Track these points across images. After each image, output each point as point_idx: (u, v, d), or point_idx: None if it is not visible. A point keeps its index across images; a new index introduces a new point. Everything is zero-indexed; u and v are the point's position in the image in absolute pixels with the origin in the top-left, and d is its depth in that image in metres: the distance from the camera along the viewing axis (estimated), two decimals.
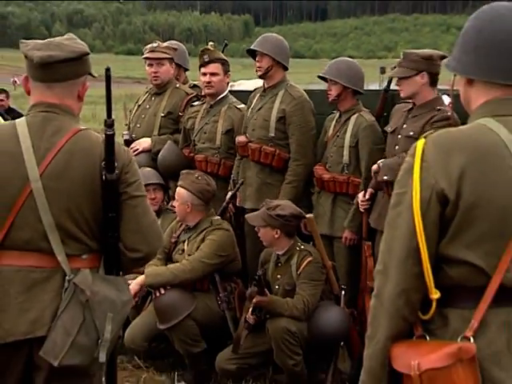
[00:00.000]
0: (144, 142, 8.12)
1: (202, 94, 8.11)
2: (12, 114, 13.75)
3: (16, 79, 57.35)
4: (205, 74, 7.79)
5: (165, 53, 8.23)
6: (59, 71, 4.06)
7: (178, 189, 7.31)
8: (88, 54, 4.16)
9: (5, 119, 10.17)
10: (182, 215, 7.33)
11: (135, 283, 7.03)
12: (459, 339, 2.93)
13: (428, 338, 3.05)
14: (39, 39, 4.22)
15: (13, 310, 3.92)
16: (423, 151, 3.03)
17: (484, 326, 2.96)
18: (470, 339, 2.92)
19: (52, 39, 4.19)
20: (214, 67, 7.77)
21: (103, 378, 4.19)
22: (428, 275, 2.98)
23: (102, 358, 3.91)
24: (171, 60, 8.31)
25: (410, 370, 2.90)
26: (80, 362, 3.87)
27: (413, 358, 2.91)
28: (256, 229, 6.97)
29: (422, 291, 3.02)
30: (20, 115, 12.66)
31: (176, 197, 7.35)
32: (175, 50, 8.43)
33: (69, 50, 4.06)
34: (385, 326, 3.08)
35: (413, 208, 2.99)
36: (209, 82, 7.77)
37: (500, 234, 2.96)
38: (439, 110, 6.75)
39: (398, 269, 3.04)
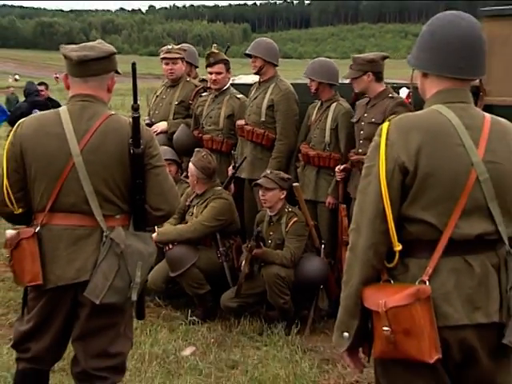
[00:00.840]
0: (161, 125, 8.24)
1: (208, 86, 8.20)
2: (51, 103, 13.80)
3: (58, 75, 56.51)
4: (211, 73, 7.94)
5: (178, 53, 8.31)
6: (92, 68, 4.12)
7: (190, 164, 7.49)
8: (115, 53, 4.25)
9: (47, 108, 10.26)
10: (192, 185, 7.57)
11: (153, 237, 7.22)
12: (417, 282, 3.00)
13: (392, 281, 3.10)
14: (79, 43, 4.30)
15: (62, 261, 4.02)
16: (387, 132, 3.11)
17: (437, 272, 3.03)
18: (426, 282, 2.99)
19: (86, 43, 4.27)
20: (219, 67, 7.92)
21: (133, 313, 4.28)
22: (392, 231, 3.07)
23: (134, 297, 4.02)
24: (183, 59, 8.38)
25: (378, 307, 2.98)
26: (116, 301, 4.00)
27: (380, 298, 2.98)
28: (261, 193, 7.12)
29: (387, 245, 3.09)
30: (58, 105, 12.84)
31: (188, 170, 7.56)
32: (185, 50, 8.50)
33: (99, 51, 4.15)
34: (358, 273, 3.13)
35: (380, 178, 3.07)
36: (215, 80, 7.95)
37: (449, 198, 3.04)
38: (392, 97, 7.04)
39: (368, 227, 3.11)
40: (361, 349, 3.27)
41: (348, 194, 7.26)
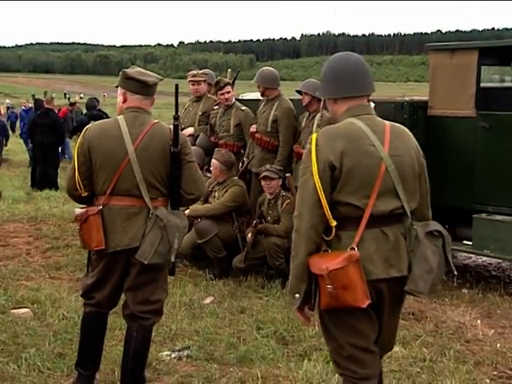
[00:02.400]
0: (189, 130, 8.18)
1: (219, 102, 8.15)
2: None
3: (105, 94, 56.29)
4: (223, 94, 7.93)
5: (201, 77, 8.37)
6: (152, 89, 4.22)
7: (213, 160, 7.50)
8: (162, 79, 4.36)
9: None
10: (215, 175, 7.55)
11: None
12: (348, 249, 3.09)
13: (330, 250, 3.16)
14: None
15: (118, 232, 4.06)
16: (316, 140, 3.18)
17: (362, 241, 3.13)
18: (354, 249, 3.09)
19: (137, 70, 4.28)
20: (228, 88, 7.93)
21: (167, 271, 4.26)
22: (327, 213, 3.13)
23: (173, 259, 4.07)
24: (205, 81, 8.41)
25: (321, 271, 3.06)
26: (160, 262, 4.03)
27: (323, 264, 3.06)
28: (267, 182, 7.13)
29: (323, 224, 3.15)
30: (107, 116, 12.81)
31: (211, 164, 7.57)
32: (207, 74, 8.54)
33: (156, 77, 4.24)
34: (303, 248, 3.15)
35: (314, 174, 3.14)
36: (227, 99, 7.95)
37: (367, 185, 3.14)
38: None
39: (308, 212, 3.15)
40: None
41: None
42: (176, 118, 4.12)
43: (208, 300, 6.37)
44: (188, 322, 5.73)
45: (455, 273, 3.35)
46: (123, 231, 4.06)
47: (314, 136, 3.23)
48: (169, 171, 4.10)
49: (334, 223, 3.15)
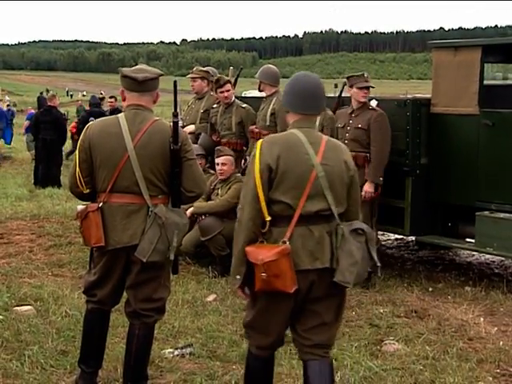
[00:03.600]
0: (191, 127, 8.21)
1: (219, 101, 8.13)
2: (116, 112, 13.70)
3: (102, 91, 56.13)
4: (222, 92, 7.91)
5: (198, 74, 8.39)
6: (149, 85, 4.17)
7: (226, 157, 7.51)
8: (162, 75, 4.31)
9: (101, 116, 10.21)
10: (228, 171, 7.55)
11: (188, 212, 7.24)
12: (280, 243, 3.52)
13: (265, 242, 3.58)
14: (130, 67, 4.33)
15: (118, 229, 4.07)
16: (261, 145, 3.64)
17: (292, 236, 3.54)
18: (286, 243, 3.51)
19: (137, 67, 4.32)
20: (227, 86, 7.91)
21: (170, 269, 4.29)
22: (264, 208, 3.56)
23: (172, 257, 4.07)
24: (202, 78, 8.39)
25: (257, 261, 3.49)
26: (158, 260, 4.03)
27: (259, 255, 3.50)
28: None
29: (260, 218, 3.57)
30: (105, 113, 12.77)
31: (224, 161, 7.51)
32: (206, 72, 8.50)
33: (153, 72, 4.21)
34: (242, 236, 3.60)
35: (255, 174, 3.57)
36: (226, 96, 7.94)
37: (299, 187, 3.56)
38: (373, 109, 7.07)
39: (248, 206, 3.59)
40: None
41: None
42: (175, 115, 4.10)
43: (211, 298, 6.38)
44: (191, 319, 5.73)
45: (378, 265, 3.73)
46: (123, 229, 4.07)
47: (260, 142, 3.69)
48: (169, 169, 4.09)
49: (268, 218, 3.57)
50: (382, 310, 6.13)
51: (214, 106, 8.22)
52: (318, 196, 3.58)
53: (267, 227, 3.57)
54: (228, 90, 7.94)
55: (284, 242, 3.51)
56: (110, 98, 15.34)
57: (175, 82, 4.21)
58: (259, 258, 3.48)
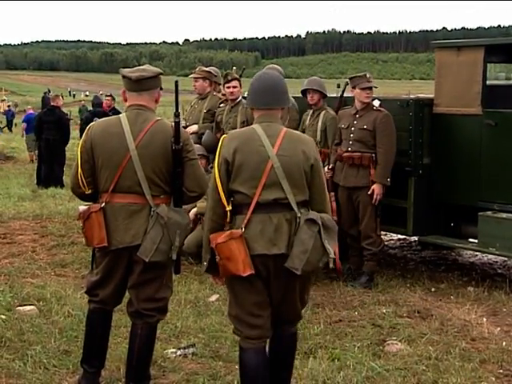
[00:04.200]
0: (193, 127, 8.18)
1: (226, 99, 8.14)
2: (115, 113, 13.68)
3: (101, 92, 55.83)
4: (229, 88, 7.91)
5: (200, 74, 8.38)
6: (145, 84, 4.17)
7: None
8: (161, 73, 4.28)
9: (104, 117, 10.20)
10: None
11: (192, 213, 7.22)
12: (240, 229, 3.74)
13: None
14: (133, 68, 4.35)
15: (121, 229, 4.08)
16: (222, 141, 3.92)
17: (250, 223, 3.77)
18: (242, 229, 3.74)
19: (138, 67, 4.34)
20: (235, 83, 7.87)
21: (172, 269, 4.29)
22: (223, 199, 3.81)
23: (174, 256, 4.08)
24: (204, 78, 8.38)
25: (212, 245, 3.79)
26: (161, 259, 4.04)
27: (214, 239, 3.77)
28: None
29: (221, 207, 3.82)
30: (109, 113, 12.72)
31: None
32: (208, 72, 8.48)
33: (150, 71, 4.21)
34: (206, 225, 3.91)
35: (215, 167, 3.84)
36: (232, 92, 7.96)
37: (255, 178, 3.77)
38: (377, 110, 7.07)
39: (210, 197, 3.89)
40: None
41: (335, 184, 7.22)
42: (177, 115, 4.11)
43: (213, 298, 6.37)
44: (193, 319, 5.73)
45: (331, 256, 3.81)
46: (125, 229, 4.08)
47: (222, 137, 3.96)
48: (171, 168, 4.10)
49: (228, 208, 3.83)
50: (384, 310, 6.13)
51: (221, 104, 8.21)
52: (275, 185, 3.78)
53: (229, 216, 3.83)
54: (235, 87, 7.91)
55: (241, 229, 3.75)
56: (107, 96, 15.25)
57: (176, 81, 4.22)
58: (213, 241, 3.79)
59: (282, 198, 3.78)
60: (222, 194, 3.80)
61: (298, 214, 3.77)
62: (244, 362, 3.92)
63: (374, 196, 6.94)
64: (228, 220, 3.83)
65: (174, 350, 5.04)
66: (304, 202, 3.84)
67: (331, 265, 3.84)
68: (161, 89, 4.31)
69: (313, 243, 3.73)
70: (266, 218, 3.76)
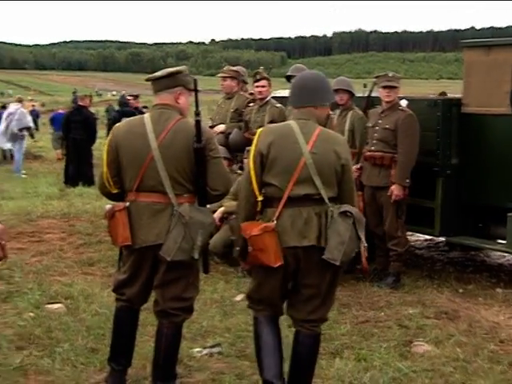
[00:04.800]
0: (221, 127, 8.20)
1: (254, 98, 8.22)
2: (137, 111, 13.75)
3: (124, 91, 55.73)
4: (257, 87, 7.93)
5: (227, 73, 8.39)
6: (158, 85, 4.22)
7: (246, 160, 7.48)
8: (173, 74, 4.23)
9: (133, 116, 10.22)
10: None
11: (219, 212, 7.24)
12: (272, 223, 3.89)
13: (261, 221, 3.98)
14: (159, 69, 4.43)
15: (145, 228, 4.09)
16: (259, 134, 4.05)
17: (281, 216, 3.91)
18: (273, 221, 3.89)
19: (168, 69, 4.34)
20: (263, 83, 7.89)
21: (200, 267, 4.30)
22: (255, 189, 3.97)
23: (196, 256, 4.07)
24: (232, 77, 8.39)
25: (246, 236, 3.93)
26: (183, 258, 4.03)
27: (247, 230, 3.93)
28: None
29: (253, 197, 3.99)
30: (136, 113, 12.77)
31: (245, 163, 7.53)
32: (235, 71, 8.50)
33: (164, 71, 4.25)
34: (240, 214, 4.12)
35: (250, 159, 4.00)
36: (260, 92, 7.97)
37: (288, 172, 3.93)
38: (402, 110, 7.01)
39: (244, 187, 4.05)
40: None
41: (361, 183, 7.18)
42: (197, 113, 4.11)
43: (239, 297, 6.36)
44: (219, 319, 5.74)
45: (365, 245, 3.96)
46: (149, 228, 4.10)
47: (259, 130, 4.11)
48: (194, 167, 4.10)
49: (260, 198, 3.99)
50: (411, 311, 6.09)
51: (250, 104, 8.22)
52: (307, 181, 3.91)
53: (260, 207, 3.99)
54: (263, 86, 7.91)
55: (273, 221, 3.90)
56: (129, 96, 15.35)
57: (195, 80, 4.22)
58: (247, 232, 3.93)
59: (313, 193, 3.91)
60: (254, 184, 3.97)
61: (331, 208, 3.90)
62: (257, 331, 4.13)
63: (393, 197, 6.90)
64: (259, 210, 4.00)
65: (199, 349, 5.05)
66: (332, 198, 3.96)
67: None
68: (190, 89, 4.26)
69: (349, 234, 3.87)
70: (296, 211, 3.90)
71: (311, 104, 4.06)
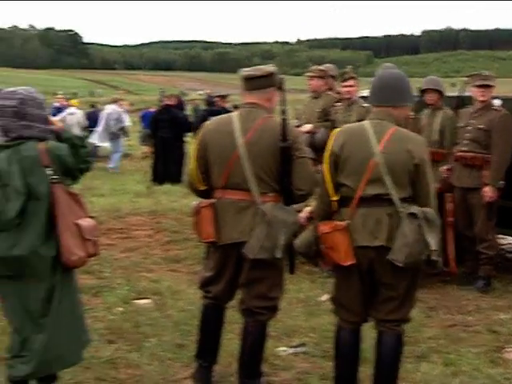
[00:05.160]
0: (307, 127, 8.17)
1: (341, 98, 8.18)
2: (224, 111, 13.86)
3: (207, 90, 55.80)
4: (345, 86, 7.89)
5: (315, 73, 8.29)
6: (255, 83, 4.22)
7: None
8: (269, 74, 4.24)
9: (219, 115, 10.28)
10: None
11: (305, 211, 7.27)
12: (344, 221, 3.92)
13: (335, 220, 4.00)
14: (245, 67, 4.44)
15: (229, 225, 4.15)
16: (334, 135, 4.07)
17: (354, 216, 3.92)
18: (346, 221, 3.92)
19: (257, 66, 4.36)
20: (351, 82, 7.86)
21: (286, 267, 4.35)
22: (330, 189, 4.00)
23: (278, 255, 4.09)
24: (320, 77, 8.32)
25: (318, 233, 4.02)
26: (266, 257, 4.06)
27: (320, 227, 4.01)
28: None
29: (328, 197, 4.01)
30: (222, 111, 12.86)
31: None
32: (323, 70, 8.45)
33: (262, 70, 4.23)
34: (315, 213, 4.19)
35: (325, 159, 4.03)
36: (348, 92, 7.92)
37: (359, 172, 3.91)
38: (495, 109, 6.83)
39: (320, 187, 4.09)
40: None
41: (451, 184, 7.02)
42: (283, 112, 4.13)
43: (324, 297, 6.33)
44: (304, 318, 5.74)
45: (432, 249, 3.83)
46: (233, 225, 4.14)
47: (334, 131, 4.15)
48: (279, 166, 4.12)
49: (334, 198, 4.01)
50: (502, 317, 5.93)
51: (338, 103, 8.18)
52: (378, 181, 3.88)
53: (335, 206, 4.01)
54: (351, 86, 7.85)
55: (345, 221, 3.93)
56: (217, 96, 15.49)
57: (283, 79, 4.25)
58: (319, 230, 4.00)
59: (384, 193, 3.88)
60: (329, 184, 4.00)
61: (401, 209, 3.86)
62: (338, 340, 4.17)
63: (486, 198, 6.72)
64: (335, 210, 4.02)
65: (284, 349, 5.06)
66: (405, 199, 3.91)
67: (434, 257, 3.87)
68: (279, 88, 4.28)
69: (414, 236, 3.80)
70: (367, 211, 3.90)
71: (390, 104, 4.03)
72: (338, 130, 4.14)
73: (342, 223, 3.91)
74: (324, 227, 3.96)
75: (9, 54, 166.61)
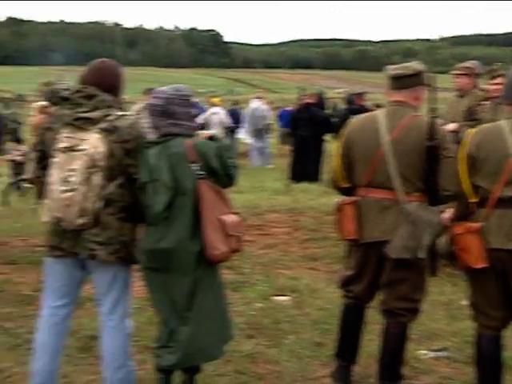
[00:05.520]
0: (451, 126, 7.97)
1: (489, 96, 7.93)
2: (363, 109, 13.76)
3: (342, 89, 54.50)
4: (494, 84, 7.66)
5: (461, 70, 8.15)
6: (403, 82, 4.18)
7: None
8: (417, 73, 4.21)
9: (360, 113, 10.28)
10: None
11: (448, 212, 7.09)
12: (478, 223, 3.78)
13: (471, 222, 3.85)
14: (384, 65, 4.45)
15: (371, 224, 4.13)
16: (470, 135, 3.91)
17: (489, 217, 3.78)
18: (480, 222, 3.78)
19: (405, 64, 4.32)
20: (500, 80, 7.61)
21: (428, 270, 4.29)
22: (467, 191, 3.86)
23: (422, 255, 4.07)
24: (466, 75, 8.15)
25: (451, 234, 3.91)
26: (408, 257, 4.03)
27: (454, 230, 3.88)
28: None
29: (465, 198, 3.87)
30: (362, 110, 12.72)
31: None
32: (469, 67, 8.26)
33: (410, 69, 4.19)
34: (454, 214, 4.02)
35: (461, 159, 3.89)
36: (497, 90, 7.65)
37: (495, 173, 3.75)
38: None
39: (456, 189, 3.94)
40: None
41: None
42: (433, 110, 4.07)
43: (467, 301, 6.15)
44: (446, 322, 5.60)
45: None
46: (376, 223, 4.11)
47: (470, 131, 3.98)
48: (424, 165, 4.06)
49: (473, 199, 3.86)
50: None
51: (485, 102, 7.94)
52: None
53: (474, 208, 3.87)
54: (500, 84, 7.58)
55: (479, 222, 3.80)
56: (357, 94, 15.38)
57: (433, 78, 4.19)
58: (453, 231, 3.90)
59: None
60: (465, 185, 3.87)
61: None
62: (478, 346, 4.06)
63: None
64: (472, 211, 3.88)
65: (425, 352, 4.97)
66: None
67: None
68: (429, 86, 4.23)
69: None
70: (504, 213, 3.76)
71: None
72: (474, 129, 3.99)
73: (475, 225, 3.80)
74: (457, 228, 3.87)
75: (155, 54, 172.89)
